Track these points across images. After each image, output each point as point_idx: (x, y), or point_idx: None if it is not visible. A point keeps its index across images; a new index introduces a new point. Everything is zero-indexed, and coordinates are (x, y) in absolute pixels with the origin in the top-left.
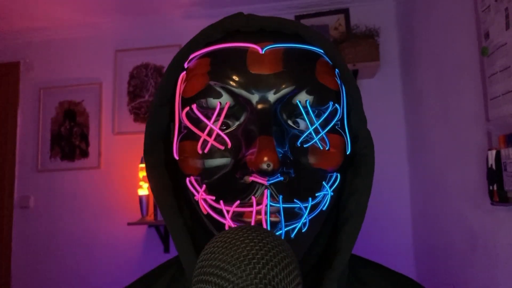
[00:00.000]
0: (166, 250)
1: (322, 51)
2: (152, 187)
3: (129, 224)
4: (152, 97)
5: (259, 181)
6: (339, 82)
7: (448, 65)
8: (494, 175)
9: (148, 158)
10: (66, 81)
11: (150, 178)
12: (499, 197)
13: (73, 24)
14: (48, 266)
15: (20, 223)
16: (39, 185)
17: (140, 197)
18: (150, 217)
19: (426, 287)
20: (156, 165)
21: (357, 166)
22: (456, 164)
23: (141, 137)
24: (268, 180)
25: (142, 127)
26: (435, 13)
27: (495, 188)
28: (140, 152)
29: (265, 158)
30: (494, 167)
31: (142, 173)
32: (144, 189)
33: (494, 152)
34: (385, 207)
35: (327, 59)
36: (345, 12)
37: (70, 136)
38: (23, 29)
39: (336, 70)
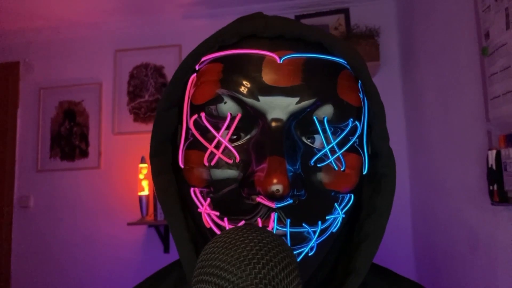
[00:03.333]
0: (166, 250)
1: (346, 63)
2: (158, 193)
3: (129, 224)
4: (152, 97)
5: (267, 204)
6: (361, 96)
7: (448, 65)
8: (494, 175)
9: (154, 161)
10: (66, 81)
11: (155, 183)
12: (499, 197)
13: (73, 24)
14: (48, 266)
15: (20, 223)
16: (39, 185)
17: (140, 197)
18: (150, 217)
19: (426, 287)
20: (163, 170)
21: (377, 185)
22: (456, 164)
23: (141, 137)
24: (277, 204)
25: (142, 127)
26: (435, 13)
27: (495, 188)
28: (140, 151)
29: (275, 181)
30: (494, 167)
31: (142, 173)
32: (144, 189)
33: (494, 152)
34: None
35: (351, 70)
36: (345, 12)
37: (70, 136)
38: (23, 29)
39: (359, 82)
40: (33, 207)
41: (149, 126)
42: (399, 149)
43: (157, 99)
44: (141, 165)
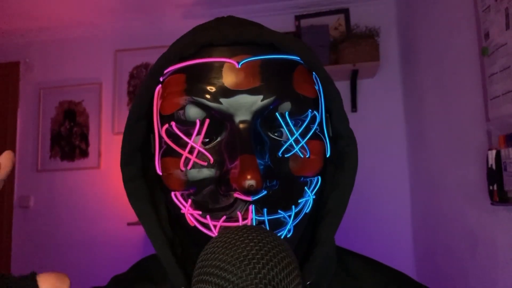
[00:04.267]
0: None
1: (299, 58)
2: (129, 197)
3: (129, 224)
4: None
5: (244, 198)
6: (317, 87)
7: (448, 65)
8: (494, 175)
9: (125, 170)
10: (66, 81)
11: (127, 188)
12: (499, 197)
13: (73, 24)
14: (48, 266)
15: (20, 223)
16: (39, 185)
17: None
18: None
19: (424, 285)
20: (133, 177)
21: (340, 163)
22: (456, 164)
23: None
24: (253, 197)
25: None
26: (435, 13)
27: (495, 188)
28: None
29: (248, 177)
30: (494, 167)
31: None
32: None
33: (494, 152)
34: (385, 207)
35: (304, 65)
36: (345, 12)
37: (70, 136)
38: (23, 29)
39: (314, 74)
40: (33, 207)
41: None
42: (399, 149)
43: None
44: None
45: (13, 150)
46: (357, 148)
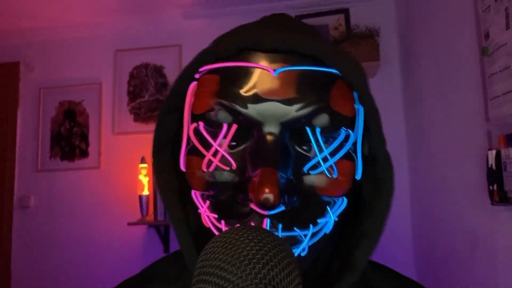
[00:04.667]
0: (166, 250)
1: (340, 73)
2: (159, 189)
3: (129, 224)
4: (152, 97)
5: (259, 211)
6: (356, 106)
7: (448, 65)
8: (494, 175)
9: (156, 160)
10: (66, 81)
11: (157, 180)
12: (499, 197)
13: (73, 24)
14: (48, 266)
15: (20, 223)
16: (39, 185)
17: (140, 197)
18: (150, 217)
19: (426, 287)
20: (164, 168)
21: (377, 188)
22: (456, 164)
23: (141, 137)
24: (268, 212)
25: (142, 127)
26: (435, 13)
27: (495, 188)
28: (140, 151)
29: (266, 190)
30: (494, 167)
31: (142, 173)
32: (144, 189)
33: (494, 152)
34: None
35: (346, 81)
36: (345, 12)
37: (70, 136)
38: (23, 29)
39: (355, 92)
40: (33, 207)
41: (149, 126)
42: (399, 149)
43: (157, 99)
44: (141, 165)
45: (13, 150)
46: (393, 173)
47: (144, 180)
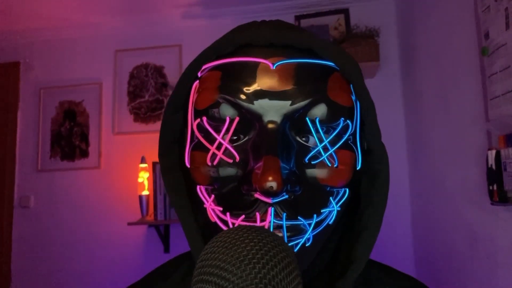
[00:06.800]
0: (166, 250)
1: (336, 66)
2: (167, 188)
3: (129, 224)
4: (152, 97)
5: (264, 199)
6: (353, 97)
7: (448, 65)
8: (494, 175)
9: (162, 160)
10: (66, 81)
11: (165, 180)
12: (499, 197)
13: (73, 24)
14: (48, 266)
15: (20, 223)
16: (39, 185)
17: (140, 197)
18: (150, 217)
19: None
20: (170, 168)
21: (372, 180)
22: (456, 164)
23: (141, 137)
24: (273, 199)
25: (142, 127)
26: (435, 13)
27: (495, 188)
28: (140, 151)
29: (270, 178)
30: (494, 167)
31: (142, 173)
32: (144, 189)
33: (494, 152)
34: None
35: (342, 73)
36: (345, 12)
37: (70, 136)
38: (23, 29)
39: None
40: (33, 207)
41: (149, 126)
42: (399, 148)
43: (157, 99)
44: (141, 165)
45: (13, 150)
46: (388, 165)
47: (144, 179)
